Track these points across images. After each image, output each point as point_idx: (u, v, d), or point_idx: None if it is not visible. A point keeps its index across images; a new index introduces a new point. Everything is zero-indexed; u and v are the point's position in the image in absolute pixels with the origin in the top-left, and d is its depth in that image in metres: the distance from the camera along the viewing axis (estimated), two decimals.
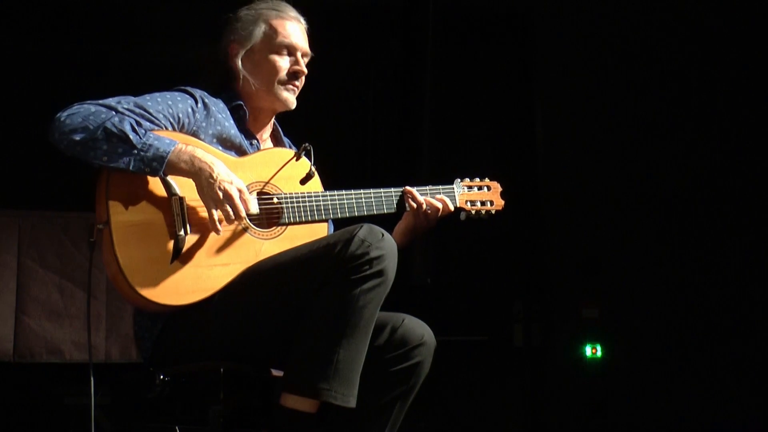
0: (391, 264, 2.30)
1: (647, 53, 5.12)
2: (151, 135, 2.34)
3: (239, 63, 2.62)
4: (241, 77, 2.61)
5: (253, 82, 2.60)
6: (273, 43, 2.61)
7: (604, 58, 5.11)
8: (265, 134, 2.71)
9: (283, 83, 2.61)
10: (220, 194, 2.34)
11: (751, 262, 5.02)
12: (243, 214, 2.38)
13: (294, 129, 2.81)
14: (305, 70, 2.65)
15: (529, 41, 5.18)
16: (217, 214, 2.36)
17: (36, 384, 3.94)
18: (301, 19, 2.69)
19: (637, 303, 4.97)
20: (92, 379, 2.38)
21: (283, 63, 2.61)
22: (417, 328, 2.55)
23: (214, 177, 2.34)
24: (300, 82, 2.64)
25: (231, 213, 2.35)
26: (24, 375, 3.91)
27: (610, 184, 5.02)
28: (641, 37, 5.13)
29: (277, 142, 2.74)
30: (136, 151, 2.30)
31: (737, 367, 4.94)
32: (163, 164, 2.32)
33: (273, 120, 2.73)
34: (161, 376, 2.39)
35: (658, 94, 5.11)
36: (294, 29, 2.64)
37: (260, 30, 2.62)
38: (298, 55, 2.63)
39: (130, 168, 2.30)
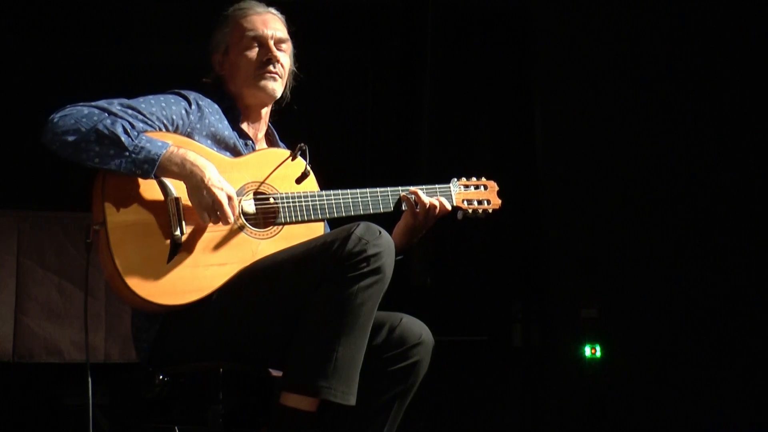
0: (388, 261, 2.31)
1: (646, 53, 5.12)
2: (144, 137, 2.34)
3: (221, 69, 2.66)
4: (227, 81, 2.65)
5: (235, 82, 2.63)
6: (242, 40, 2.63)
7: (604, 58, 5.11)
8: (260, 134, 2.71)
9: (259, 74, 2.62)
10: (209, 200, 2.35)
11: (751, 262, 5.02)
12: (231, 220, 2.38)
13: (293, 129, 2.81)
14: (277, 56, 2.64)
15: (529, 41, 5.18)
16: (206, 219, 2.37)
17: (35, 384, 3.95)
18: (272, 9, 2.70)
19: (636, 303, 4.97)
20: (89, 379, 2.38)
21: (254, 55, 2.62)
22: (415, 328, 2.55)
23: (205, 182, 2.35)
24: (277, 68, 2.63)
25: (219, 220, 2.36)
26: (23, 375, 3.92)
27: (610, 184, 5.02)
28: (641, 37, 5.13)
29: (271, 144, 2.75)
30: (127, 153, 2.31)
31: (737, 367, 4.94)
32: (154, 167, 2.32)
33: (268, 121, 2.73)
34: (160, 376, 2.39)
35: (658, 93, 5.11)
36: (260, 20, 2.66)
37: (228, 32, 2.66)
38: (270, 43, 2.63)
39: (122, 170, 2.31)
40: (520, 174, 5.06)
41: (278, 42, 2.66)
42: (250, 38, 2.63)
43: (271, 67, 2.62)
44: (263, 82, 2.62)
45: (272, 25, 2.66)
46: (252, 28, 2.64)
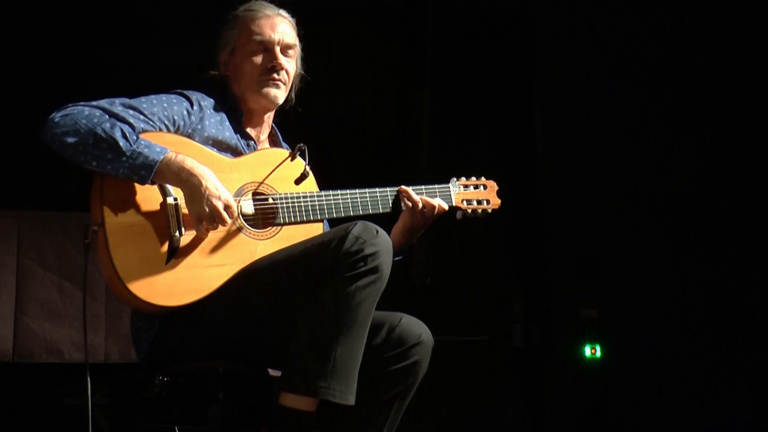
0: (386, 260, 2.30)
1: (647, 54, 5.12)
2: (143, 142, 2.33)
3: (226, 69, 2.65)
4: (231, 81, 2.64)
5: (239, 84, 2.62)
6: (248, 44, 2.62)
7: (604, 58, 5.12)
8: (263, 135, 2.70)
9: (262, 80, 2.61)
10: (207, 209, 2.35)
11: (751, 262, 5.02)
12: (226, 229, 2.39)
13: (293, 129, 2.81)
14: (282, 63, 2.62)
15: (529, 41, 5.18)
16: (202, 228, 2.38)
17: (35, 384, 3.95)
18: (282, 12, 2.68)
19: (636, 303, 4.97)
20: (89, 379, 2.38)
21: (259, 61, 2.61)
22: (414, 327, 2.55)
23: (202, 191, 2.34)
24: (281, 75, 2.62)
25: (215, 228, 2.37)
26: (23, 375, 3.92)
27: (610, 184, 5.02)
28: (641, 38, 5.13)
29: (273, 145, 2.74)
30: (125, 159, 2.30)
31: (737, 367, 4.94)
32: (151, 173, 2.32)
33: (271, 123, 2.73)
34: (160, 377, 2.40)
35: (658, 94, 5.11)
36: (268, 24, 2.63)
37: (236, 33, 2.64)
38: (276, 49, 2.62)
39: (118, 174, 2.31)
40: (520, 174, 5.06)
41: (285, 48, 2.64)
42: (256, 42, 2.61)
43: (274, 75, 2.61)
44: (265, 89, 2.61)
45: (280, 29, 2.64)
46: (259, 32, 2.61)
